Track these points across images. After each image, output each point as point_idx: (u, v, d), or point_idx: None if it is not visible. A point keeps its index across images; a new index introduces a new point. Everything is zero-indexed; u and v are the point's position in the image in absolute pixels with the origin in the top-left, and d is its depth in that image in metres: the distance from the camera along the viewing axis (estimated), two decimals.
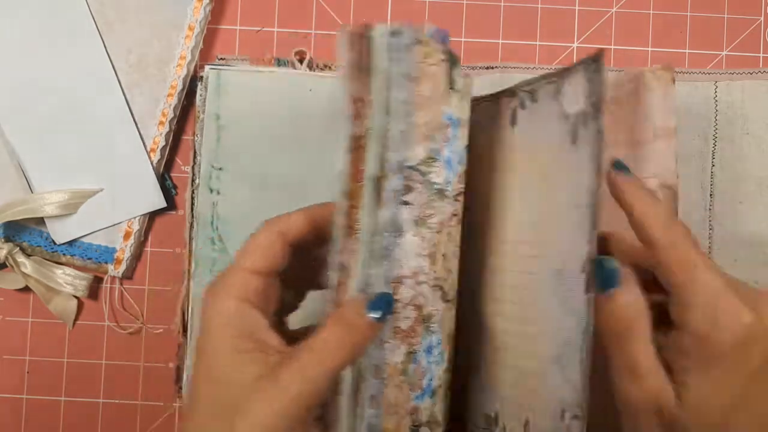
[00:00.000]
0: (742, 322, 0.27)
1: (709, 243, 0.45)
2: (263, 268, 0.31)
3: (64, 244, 0.46)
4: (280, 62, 0.47)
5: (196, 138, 0.45)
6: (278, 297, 0.32)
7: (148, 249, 0.47)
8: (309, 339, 0.29)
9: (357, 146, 0.30)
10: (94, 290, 0.47)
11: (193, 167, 0.45)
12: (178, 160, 0.48)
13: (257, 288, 0.30)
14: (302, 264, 0.33)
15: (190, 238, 0.45)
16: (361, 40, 0.30)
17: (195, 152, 0.45)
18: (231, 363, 0.28)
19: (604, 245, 0.33)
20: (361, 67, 0.30)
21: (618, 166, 0.30)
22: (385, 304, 0.29)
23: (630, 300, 0.28)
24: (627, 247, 0.32)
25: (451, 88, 0.31)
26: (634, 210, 0.29)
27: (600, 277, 0.28)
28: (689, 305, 0.27)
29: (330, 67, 0.47)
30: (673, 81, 0.43)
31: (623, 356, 0.28)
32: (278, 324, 0.33)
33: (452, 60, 0.31)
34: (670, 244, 0.28)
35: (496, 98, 0.37)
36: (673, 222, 0.29)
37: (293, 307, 0.35)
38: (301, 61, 0.46)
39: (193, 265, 0.44)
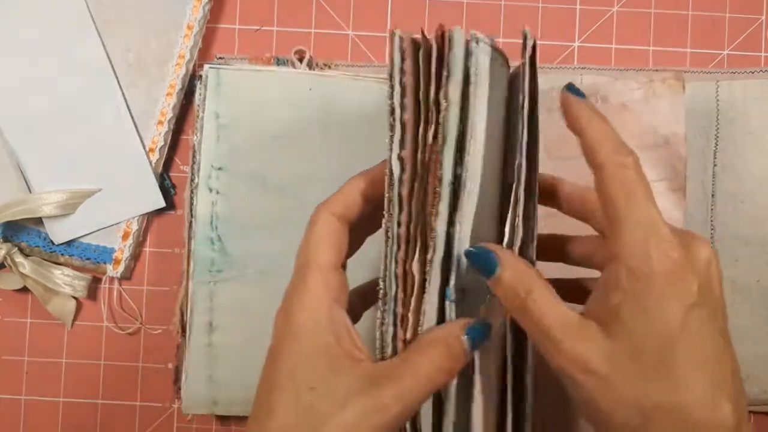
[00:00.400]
0: (671, 256, 0.26)
1: (711, 243, 0.45)
2: (337, 260, 0.30)
3: (62, 244, 0.46)
4: (279, 61, 0.47)
5: (195, 137, 0.45)
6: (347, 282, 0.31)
7: (146, 249, 0.47)
8: (409, 358, 0.28)
9: (431, 151, 0.29)
10: (92, 291, 0.47)
11: (192, 167, 0.45)
12: (177, 160, 0.48)
13: (338, 284, 0.29)
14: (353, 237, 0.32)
15: (189, 238, 0.45)
16: (440, 44, 0.29)
17: (194, 152, 0.45)
18: (322, 371, 0.27)
19: (552, 191, 0.32)
20: (429, 73, 0.29)
21: (571, 88, 0.29)
22: (484, 331, 0.29)
23: (514, 274, 0.28)
24: (574, 193, 0.32)
25: None
26: (586, 133, 0.28)
27: (480, 266, 0.28)
28: (624, 234, 0.26)
29: (329, 66, 0.47)
30: (683, 89, 0.43)
31: (534, 328, 0.27)
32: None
33: None
34: (618, 168, 0.27)
35: None
36: (625, 148, 0.27)
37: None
38: (300, 60, 0.46)
39: (191, 265, 0.44)
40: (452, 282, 0.29)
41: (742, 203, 0.45)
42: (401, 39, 0.29)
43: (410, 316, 0.29)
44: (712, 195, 0.46)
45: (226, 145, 0.44)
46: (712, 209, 0.45)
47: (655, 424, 0.25)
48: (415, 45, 0.30)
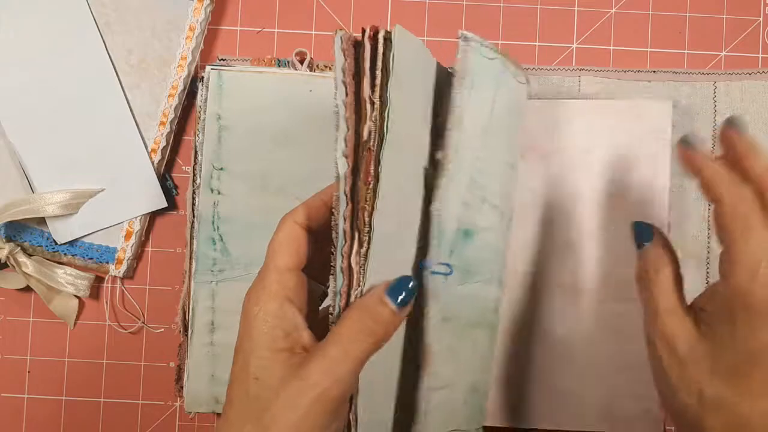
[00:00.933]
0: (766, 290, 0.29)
1: (708, 243, 0.45)
2: (295, 263, 0.32)
3: (65, 244, 0.46)
4: (280, 63, 0.47)
5: (197, 138, 0.45)
6: (309, 289, 0.33)
7: (148, 249, 0.48)
8: (332, 331, 0.29)
9: (363, 148, 0.31)
10: (95, 290, 0.47)
11: (194, 167, 0.45)
12: (179, 160, 0.48)
13: (294, 285, 0.31)
14: (319, 252, 0.33)
15: (191, 238, 0.45)
16: (373, 44, 0.31)
17: (196, 152, 0.45)
18: (264, 362, 0.29)
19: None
20: (363, 70, 0.30)
21: (685, 142, 0.33)
22: (407, 288, 0.30)
23: (657, 252, 0.34)
24: None
25: None
26: (702, 173, 0.32)
27: (636, 234, 0.35)
28: (736, 260, 0.30)
29: (330, 68, 0.47)
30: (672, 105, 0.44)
31: (647, 298, 0.33)
32: (312, 314, 0.33)
33: None
34: (734, 201, 0.30)
35: None
36: (739, 184, 0.31)
37: (324, 296, 0.35)
38: (301, 62, 0.46)
39: (193, 264, 0.44)
40: (432, 255, 0.32)
41: None
42: (341, 40, 0.30)
43: None
44: None
45: (228, 145, 0.45)
46: (709, 209, 0.46)
47: (708, 411, 0.30)
48: (356, 45, 0.31)
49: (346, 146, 0.30)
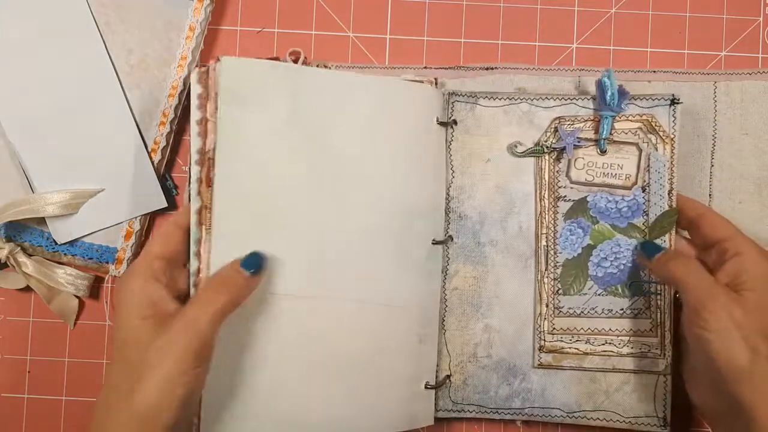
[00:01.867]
0: None
1: None
2: (163, 252, 0.39)
3: (65, 244, 0.46)
4: None
5: (191, 139, 0.45)
6: (186, 279, 0.40)
7: None
8: (191, 297, 0.37)
9: (205, 158, 0.39)
10: (95, 290, 0.47)
11: (189, 168, 0.45)
12: (179, 160, 0.48)
13: (161, 268, 0.38)
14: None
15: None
16: (210, 73, 0.39)
17: (190, 154, 0.45)
18: (134, 328, 0.36)
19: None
20: (209, 95, 0.39)
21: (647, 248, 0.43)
22: (258, 260, 0.38)
23: (668, 256, 0.41)
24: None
25: None
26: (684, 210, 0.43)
27: (645, 251, 0.42)
28: (741, 243, 0.39)
29: (327, 67, 0.47)
30: None
31: (695, 284, 0.38)
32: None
33: None
34: (711, 212, 0.42)
35: None
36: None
37: None
38: (295, 61, 0.46)
39: (194, 264, 0.44)
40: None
41: (740, 203, 0.46)
42: (198, 74, 0.39)
43: None
44: (710, 195, 0.46)
45: None
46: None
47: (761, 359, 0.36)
48: (208, 74, 0.39)
49: (199, 156, 0.39)
